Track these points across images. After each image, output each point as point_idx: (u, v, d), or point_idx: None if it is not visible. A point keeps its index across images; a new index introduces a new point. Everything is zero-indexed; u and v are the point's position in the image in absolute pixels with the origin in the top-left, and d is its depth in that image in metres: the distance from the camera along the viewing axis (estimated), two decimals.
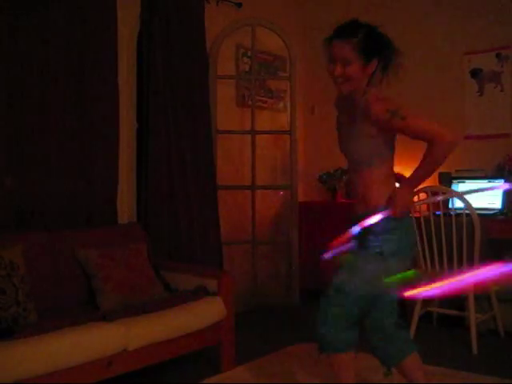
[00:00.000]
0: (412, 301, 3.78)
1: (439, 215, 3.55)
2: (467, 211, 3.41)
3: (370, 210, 2.13)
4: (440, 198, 3.52)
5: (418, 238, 3.59)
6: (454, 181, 4.11)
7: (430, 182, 4.28)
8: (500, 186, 3.99)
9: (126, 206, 3.70)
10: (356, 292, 2.12)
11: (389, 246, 2.11)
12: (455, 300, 3.98)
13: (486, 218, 3.66)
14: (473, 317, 3.44)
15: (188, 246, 3.85)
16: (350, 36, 1.99)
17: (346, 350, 2.21)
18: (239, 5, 4.52)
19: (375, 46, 2.04)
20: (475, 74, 4.33)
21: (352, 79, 2.03)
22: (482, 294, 3.73)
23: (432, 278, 2.25)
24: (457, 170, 4.20)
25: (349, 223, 2.21)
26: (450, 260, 3.51)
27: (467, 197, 3.45)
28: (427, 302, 3.85)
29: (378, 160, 2.14)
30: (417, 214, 3.66)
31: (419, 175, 2.13)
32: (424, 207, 3.68)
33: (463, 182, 4.07)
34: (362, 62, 2.01)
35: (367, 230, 2.12)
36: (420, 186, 3.88)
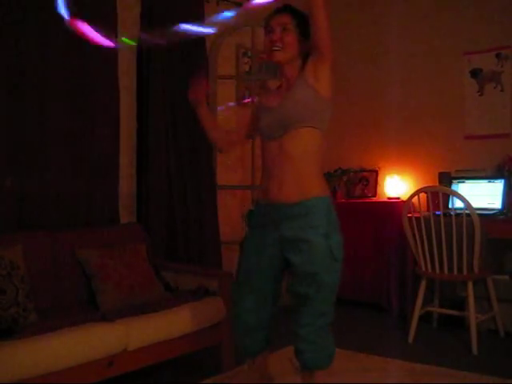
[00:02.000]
0: (412, 301, 3.79)
1: (439, 215, 3.55)
2: (467, 211, 3.42)
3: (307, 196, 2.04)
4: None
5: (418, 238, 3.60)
6: (454, 181, 4.11)
7: (430, 181, 4.29)
8: None
9: (126, 206, 3.70)
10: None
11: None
12: (455, 300, 3.99)
13: (486, 217, 3.66)
14: (473, 317, 3.44)
15: (186, 245, 3.85)
16: (290, 11, 2.13)
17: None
18: (239, 5, 4.52)
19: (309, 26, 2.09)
20: (475, 74, 4.32)
21: (287, 47, 2.08)
22: (482, 294, 3.73)
23: None
24: (457, 170, 4.20)
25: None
26: (450, 260, 3.51)
27: (467, 197, 3.46)
28: (427, 301, 3.86)
29: (317, 119, 2.07)
30: (417, 214, 3.66)
31: None
32: (424, 207, 3.68)
33: (463, 182, 4.07)
34: (298, 34, 2.08)
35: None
36: (419, 187, 3.92)
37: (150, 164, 3.71)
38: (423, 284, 3.67)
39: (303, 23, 2.08)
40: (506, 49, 4.18)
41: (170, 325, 2.82)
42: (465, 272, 3.49)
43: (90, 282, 2.98)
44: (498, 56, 4.22)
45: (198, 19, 4.03)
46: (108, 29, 3.47)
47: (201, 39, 4.05)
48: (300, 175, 2.05)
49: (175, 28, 2.32)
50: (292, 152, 2.05)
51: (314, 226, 2.02)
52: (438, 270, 3.58)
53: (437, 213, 3.58)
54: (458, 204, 3.55)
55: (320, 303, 2.09)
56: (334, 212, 2.10)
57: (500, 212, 3.83)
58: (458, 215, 3.46)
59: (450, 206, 3.68)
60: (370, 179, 4.82)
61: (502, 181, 3.93)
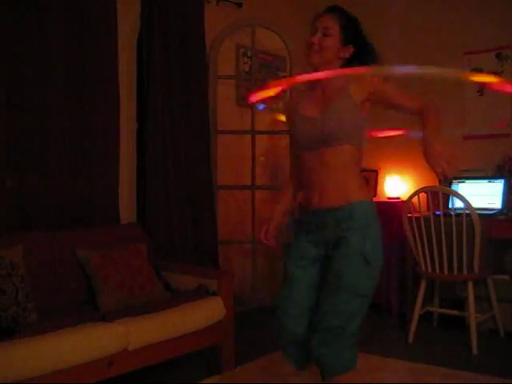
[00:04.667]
0: (412, 301, 3.79)
1: (439, 215, 3.55)
2: (467, 211, 3.42)
3: (349, 201, 2.01)
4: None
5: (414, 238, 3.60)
6: (454, 181, 4.11)
7: (430, 181, 4.29)
8: None
9: (126, 206, 3.70)
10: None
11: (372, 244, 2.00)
12: (455, 300, 3.99)
13: (486, 217, 3.66)
14: (473, 317, 3.44)
15: (183, 245, 3.85)
16: (337, 11, 2.08)
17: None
18: (239, 5, 4.52)
19: (355, 33, 2.10)
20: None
21: (325, 51, 2.04)
22: (482, 294, 3.73)
23: None
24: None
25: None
26: (450, 260, 3.51)
27: (467, 197, 3.46)
28: (427, 301, 3.86)
29: (358, 137, 2.05)
30: (417, 214, 3.66)
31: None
32: (424, 207, 3.68)
33: (463, 182, 4.07)
34: (339, 39, 2.06)
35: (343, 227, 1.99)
36: (419, 187, 3.92)
37: (149, 164, 3.71)
38: (423, 284, 3.67)
39: (348, 27, 2.07)
40: (506, 49, 4.18)
41: (169, 325, 2.82)
42: (465, 272, 3.49)
43: (90, 282, 2.98)
44: (498, 56, 4.22)
45: (198, 20, 4.04)
46: (108, 29, 3.50)
47: (201, 39, 4.05)
48: (342, 184, 2.03)
49: None
50: (332, 164, 2.02)
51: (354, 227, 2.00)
52: (438, 270, 3.58)
53: (437, 213, 3.58)
54: (458, 204, 3.55)
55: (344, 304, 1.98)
56: (376, 217, 2.07)
57: (500, 212, 3.83)
58: (458, 215, 3.46)
59: (450, 206, 3.68)
60: (370, 179, 4.82)
61: (502, 181, 3.93)
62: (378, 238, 2.04)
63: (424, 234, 3.58)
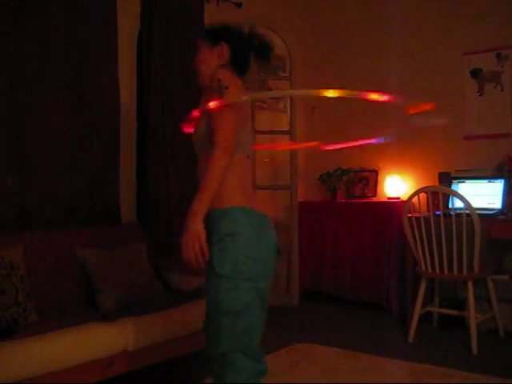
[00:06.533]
0: (412, 301, 3.79)
1: (439, 215, 3.55)
2: (467, 211, 3.42)
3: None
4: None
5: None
6: (454, 181, 4.11)
7: (430, 181, 4.30)
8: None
9: (126, 206, 3.70)
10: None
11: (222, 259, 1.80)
12: (455, 300, 3.99)
13: (486, 217, 3.66)
14: (473, 317, 3.44)
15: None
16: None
17: None
18: (239, 5, 4.52)
19: (219, 32, 2.09)
20: (475, 73, 4.33)
21: (201, 64, 2.09)
22: (482, 294, 3.73)
23: None
24: (457, 170, 4.20)
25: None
26: (450, 260, 3.51)
27: (467, 197, 3.46)
28: (427, 301, 3.86)
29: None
30: (417, 214, 3.66)
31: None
32: (424, 207, 3.68)
33: (463, 182, 4.07)
34: (207, 45, 2.08)
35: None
36: (419, 187, 3.92)
37: (150, 164, 3.71)
38: (423, 284, 3.67)
39: (210, 32, 2.10)
40: (506, 49, 4.19)
41: (170, 325, 2.82)
42: (465, 272, 3.49)
43: (90, 282, 2.98)
44: (498, 56, 4.22)
45: (198, 20, 4.04)
46: (108, 29, 3.50)
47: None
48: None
49: None
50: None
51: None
52: (438, 270, 3.58)
53: (437, 213, 3.58)
54: (458, 204, 3.55)
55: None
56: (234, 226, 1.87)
57: (500, 212, 3.83)
58: (458, 215, 3.46)
59: (450, 205, 3.68)
60: (370, 179, 4.82)
61: (502, 181, 3.93)
62: (226, 249, 1.84)
63: (424, 234, 3.57)
